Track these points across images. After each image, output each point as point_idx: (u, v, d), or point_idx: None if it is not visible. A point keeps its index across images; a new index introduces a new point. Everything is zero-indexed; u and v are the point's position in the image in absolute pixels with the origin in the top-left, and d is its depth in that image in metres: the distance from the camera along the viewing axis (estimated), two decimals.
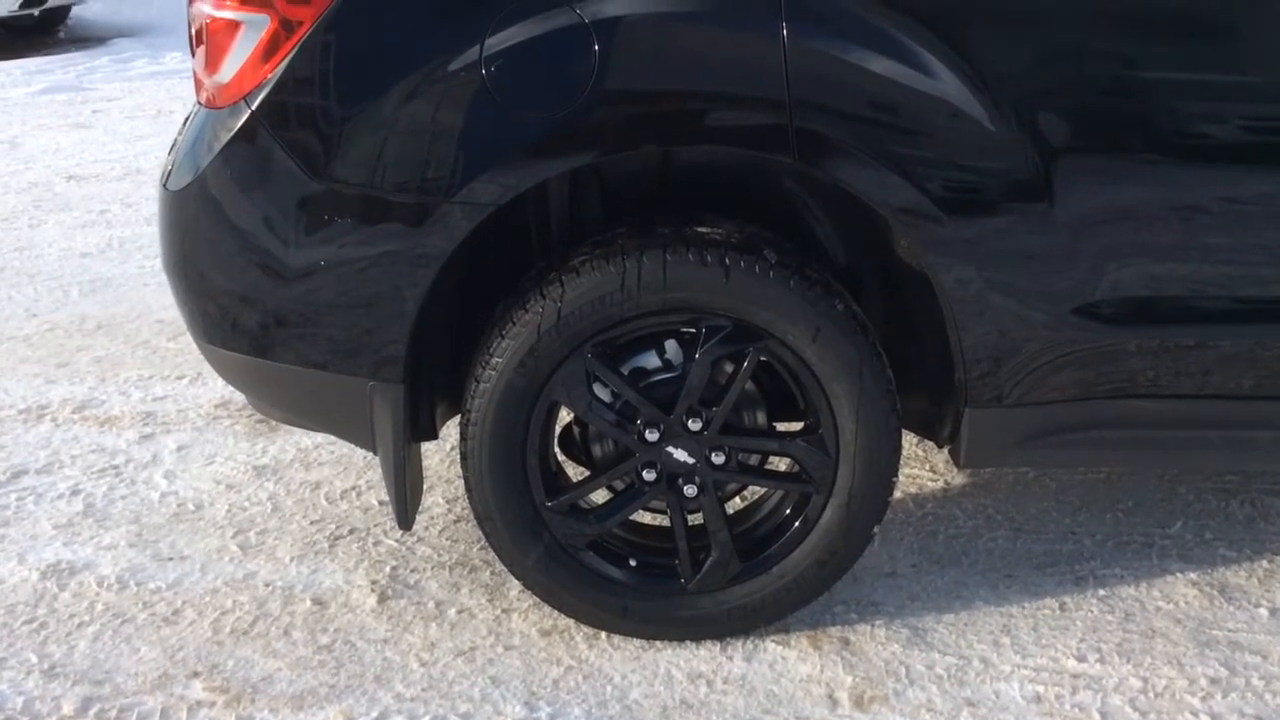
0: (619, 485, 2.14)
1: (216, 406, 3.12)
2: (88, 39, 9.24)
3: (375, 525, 2.55)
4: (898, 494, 2.60)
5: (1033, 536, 2.50)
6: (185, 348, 3.43)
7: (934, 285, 1.96)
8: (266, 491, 2.72)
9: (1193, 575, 2.35)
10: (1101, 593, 2.31)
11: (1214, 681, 2.05)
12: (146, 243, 4.44)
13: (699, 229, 2.02)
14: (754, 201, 2.17)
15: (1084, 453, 2.14)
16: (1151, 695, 2.03)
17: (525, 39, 1.83)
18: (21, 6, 8.39)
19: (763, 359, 2.01)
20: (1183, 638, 2.17)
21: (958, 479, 2.73)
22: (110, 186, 5.29)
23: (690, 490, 2.08)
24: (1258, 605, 2.26)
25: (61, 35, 9.46)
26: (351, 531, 2.54)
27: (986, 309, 1.95)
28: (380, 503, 2.63)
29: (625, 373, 2.06)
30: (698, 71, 1.88)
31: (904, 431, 2.11)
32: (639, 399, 2.03)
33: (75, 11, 9.66)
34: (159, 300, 3.82)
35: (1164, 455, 2.19)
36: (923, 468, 2.77)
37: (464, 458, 2.06)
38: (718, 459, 2.06)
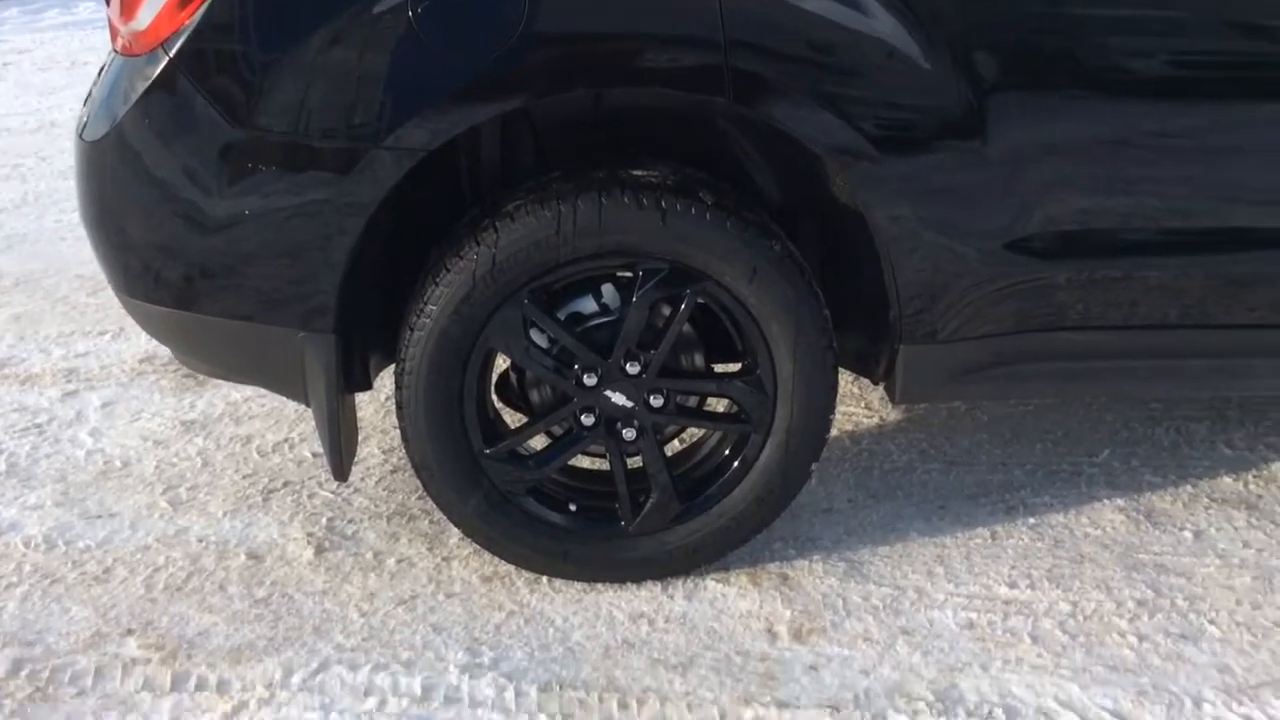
0: (557, 430, 2.14)
1: (141, 362, 3.06)
2: None
3: (310, 478, 2.52)
4: (835, 432, 2.62)
5: (965, 468, 2.55)
6: (106, 303, 3.35)
7: (869, 223, 1.97)
8: (196, 447, 2.67)
9: (1119, 501, 2.42)
10: (1031, 521, 2.36)
11: (1140, 603, 2.11)
12: (62, 197, 4.31)
13: (635, 172, 2.01)
14: (687, 144, 2.15)
15: (1018, 385, 2.18)
16: (1080, 618, 2.08)
17: None
18: None
19: (700, 301, 2.01)
20: (1110, 562, 2.23)
21: (892, 415, 2.77)
22: (24, 140, 5.12)
23: (629, 434, 2.08)
24: (1182, 529, 2.33)
25: None
26: (285, 484, 2.51)
27: (920, 246, 1.96)
28: (314, 455, 2.60)
29: (562, 318, 2.05)
30: (631, 12, 1.85)
31: (840, 369, 2.14)
32: (576, 344, 2.02)
33: None
34: (77, 255, 3.71)
35: (1095, 385, 2.24)
36: (858, 405, 2.80)
37: (399, 406, 2.04)
38: (656, 402, 2.07)
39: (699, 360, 2.13)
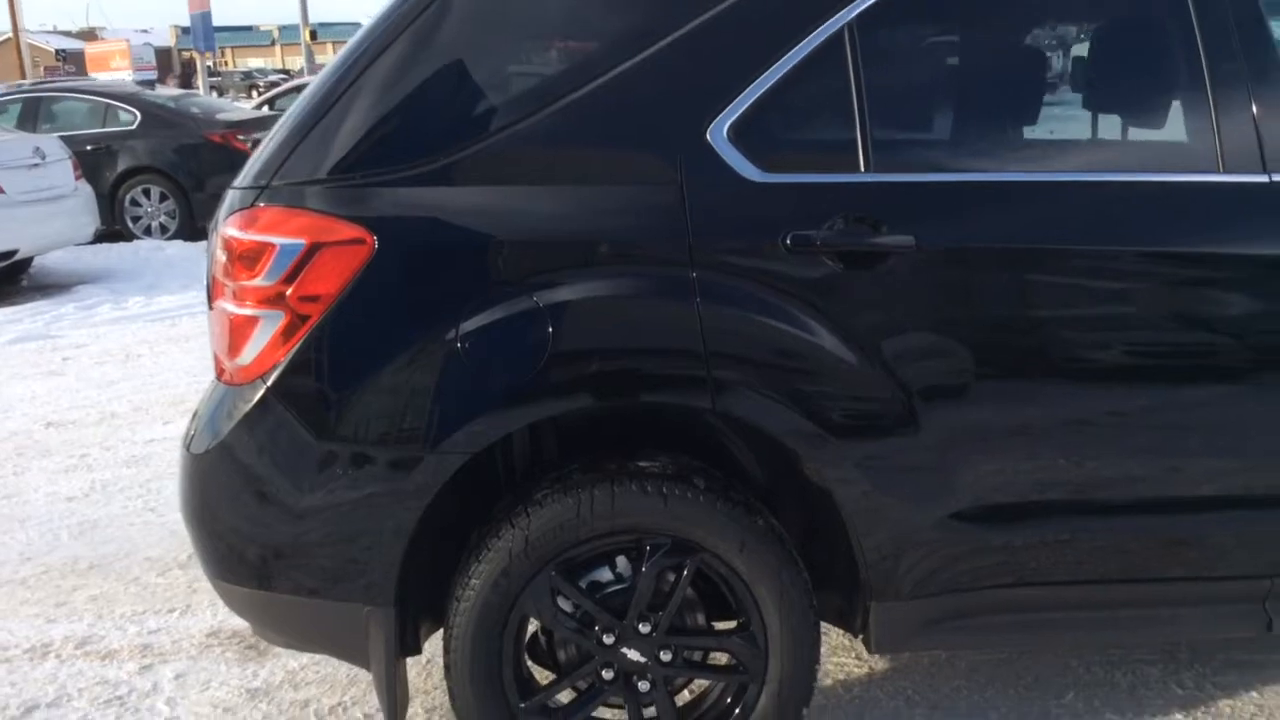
0: (581, 685, 2.48)
1: (208, 635, 3.41)
2: (51, 286, 9.68)
3: None
4: (829, 680, 2.96)
5: (947, 713, 2.85)
6: (173, 582, 3.75)
7: (835, 500, 2.37)
8: (261, 712, 3.00)
9: None
10: None
11: None
12: (127, 485, 4.76)
13: (640, 463, 2.44)
14: (685, 435, 2.59)
15: (979, 635, 2.53)
16: None
17: (491, 321, 2.27)
18: None
19: (699, 569, 2.40)
20: None
21: (880, 664, 3.09)
22: (88, 431, 5.62)
23: (644, 686, 2.43)
24: None
25: (25, 284, 9.90)
26: None
27: (877, 517, 2.36)
28: (365, 716, 2.92)
29: (583, 586, 2.43)
30: (631, 341, 2.32)
31: (825, 624, 2.49)
32: (596, 608, 2.39)
33: (38, 260, 10.14)
34: (145, 539, 4.13)
35: (1046, 634, 2.56)
36: (849, 655, 3.13)
37: (447, 669, 2.40)
38: (666, 656, 2.42)
39: (701, 619, 2.50)
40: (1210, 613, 2.51)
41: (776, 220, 2.31)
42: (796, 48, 2.36)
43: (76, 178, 9.85)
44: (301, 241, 2.30)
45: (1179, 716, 2.79)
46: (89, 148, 11.38)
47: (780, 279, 2.31)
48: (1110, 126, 2.63)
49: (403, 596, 2.40)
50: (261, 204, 2.36)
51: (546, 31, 2.42)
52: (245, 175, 2.42)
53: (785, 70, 2.36)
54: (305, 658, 3.17)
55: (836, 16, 2.36)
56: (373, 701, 2.98)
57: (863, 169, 2.35)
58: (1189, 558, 2.46)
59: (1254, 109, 2.37)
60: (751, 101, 2.35)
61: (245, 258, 2.33)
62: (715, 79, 2.36)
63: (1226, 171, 2.37)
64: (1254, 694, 2.87)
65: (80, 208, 9.63)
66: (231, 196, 2.43)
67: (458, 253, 2.32)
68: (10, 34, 37.85)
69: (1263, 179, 2.37)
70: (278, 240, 2.31)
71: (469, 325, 2.27)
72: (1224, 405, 2.40)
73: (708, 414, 2.35)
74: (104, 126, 11.84)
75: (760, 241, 2.31)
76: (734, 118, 2.35)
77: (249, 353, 2.35)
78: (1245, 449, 2.41)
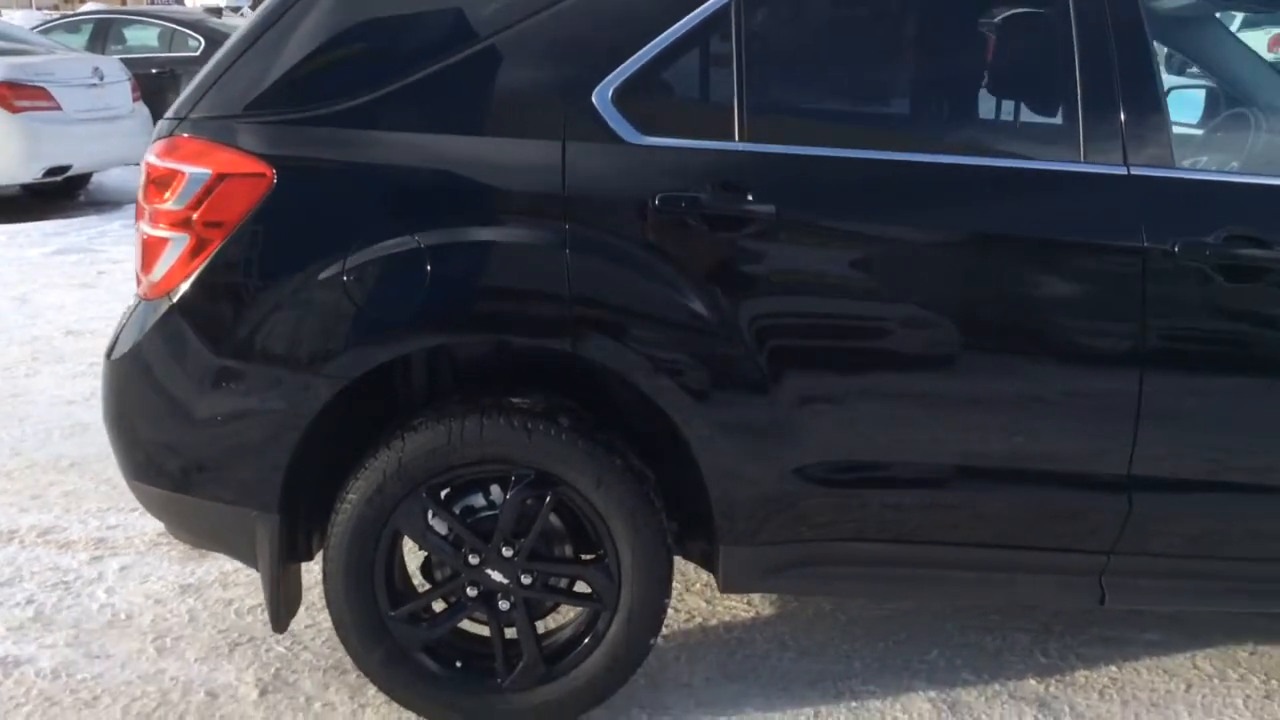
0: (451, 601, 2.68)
1: (159, 535, 3.66)
2: (105, 203, 10.07)
3: (271, 635, 3.07)
4: (714, 622, 3.13)
5: (814, 659, 3.01)
6: None
7: (688, 446, 2.53)
8: (187, 605, 3.25)
9: (932, 694, 2.86)
10: (853, 704, 2.81)
11: None
12: None
13: (513, 399, 2.61)
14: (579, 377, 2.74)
15: (820, 584, 2.68)
16: None
17: (372, 258, 2.44)
18: (45, 174, 9.22)
19: (561, 501, 2.57)
20: None
21: (766, 610, 3.25)
22: (104, 342, 5.88)
23: (504, 605, 2.62)
24: (978, 716, 2.76)
25: (81, 199, 10.30)
26: (250, 639, 3.07)
27: (726, 466, 2.51)
28: None
29: (461, 509, 2.62)
30: (501, 284, 2.49)
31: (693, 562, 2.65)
32: (463, 530, 2.58)
33: (95, 178, 10.54)
34: None
35: (884, 588, 2.72)
36: (741, 601, 3.29)
37: (324, 575, 2.61)
38: (526, 580, 2.61)
39: (569, 550, 2.67)
40: (1046, 581, 2.64)
41: (649, 181, 2.46)
42: (686, 17, 2.49)
43: (135, 99, 10.19)
44: (208, 171, 2.49)
45: (1033, 681, 2.92)
46: (154, 71, 11.75)
47: (647, 236, 2.46)
48: (986, 110, 2.72)
49: (290, 505, 2.61)
50: (180, 134, 2.56)
51: None
52: (173, 107, 2.62)
53: (673, 39, 2.49)
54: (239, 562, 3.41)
55: None
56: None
57: (736, 138, 2.48)
58: (1027, 526, 2.58)
59: (1120, 104, 2.46)
60: (638, 67, 2.49)
61: (159, 183, 2.53)
62: (606, 43, 2.50)
63: (1086, 161, 2.47)
64: (1112, 668, 2.98)
65: (137, 129, 9.97)
66: (159, 126, 2.63)
67: (349, 192, 2.49)
68: None
69: (1120, 170, 2.46)
70: (187, 169, 2.50)
71: (352, 261, 2.44)
72: (1065, 380, 2.50)
73: (567, 356, 2.51)
74: (170, 51, 12.19)
75: (632, 200, 2.46)
76: (620, 81, 2.49)
77: (159, 270, 2.55)
78: (1085, 427, 2.51)
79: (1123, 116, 2.46)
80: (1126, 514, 2.53)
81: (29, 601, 3.26)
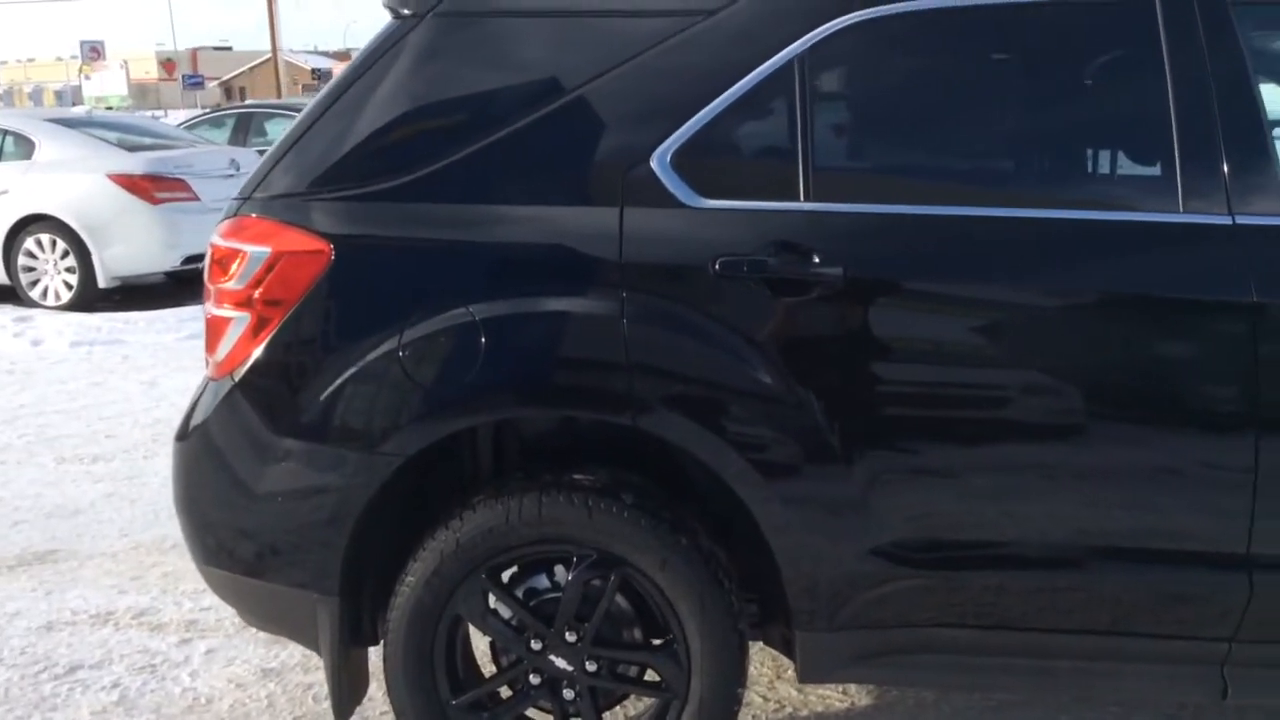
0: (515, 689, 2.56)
1: None
2: None
3: None
4: (806, 711, 2.95)
5: None
6: None
7: (759, 526, 2.38)
8: (267, 690, 3.20)
9: None
10: None
11: None
12: None
13: (575, 476, 2.50)
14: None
15: (907, 673, 2.48)
16: None
17: (429, 332, 2.39)
18: (184, 262, 9.59)
19: (626, 583, 2.44)
20: None
21: (863, 700, 3.04)
22: None
23: (569, 694, 2.49)
24: None
25: None
26: None
27: (799, 545, 2.35)
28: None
29: (524, 591, 2.51)
30: (558, 356, 2.40)
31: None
32: (525, 614, 2.47)
33: None
34: None
35: (976, 678, 2.49)
36: (837, 690, 3.09)
37: (385, 661, 2.53)
38: (591, 666, 2.48)
39: (637, 635, 2.53)
40: (1159, 672, 2.38)
41: (710, 246, 2.35)
42: (746, 78, 2.40)
43: None
44: (267, 249, 2.47)
45: None
46: None
47: (708, 303, 2.34)
48: (1063, 162, 2.53)
49: (352, 588, 2.54)
50: (245, 214, 2.56)
51: (499, 64, 2.51)
52: (240, 187, 2.63)
53: (733, 100, 2.40)
54: None
55: (785, 51, 2.38)
56: (372, 694, 3.14)
57: (801, 198, 2.36)
58: (1135, 612, 2.35)
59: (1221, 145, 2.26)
60: (696, 130, 2.40)
61: (222, 263, 2.53)
62: (665, 106, 2.42)
63: (1185, 211, 2.27)
64: None
65: None
66: (227, 207, 2.64)
67: (405, 265, 2.45)
68: (270, 53, 40.79)
69: (1225, 220, 2.25)
70: (249, 248, 2.49)
71: (410, 335, 2.39)
72: (1170, 451, 2.28)
73: (627, 430, 2.40)
74: None
75: (691, 265, 2.35)
76: (679, 145, 2.40)
77: (222, 350, 2.54)
78: (1196, 501, 2.28)
79: (1225, 163, 2.26)
80: (1249, 596, 2.28)
81: (115, 685, 3.26)
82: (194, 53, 60.89)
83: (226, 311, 2.53)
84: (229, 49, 76.04)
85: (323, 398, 2.45)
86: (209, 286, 2.59)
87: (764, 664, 3.20)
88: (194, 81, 42.60)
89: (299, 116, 2.64)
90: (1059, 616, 2.36)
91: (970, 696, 3.02)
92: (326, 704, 3.09)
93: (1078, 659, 2.39)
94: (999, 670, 2.43)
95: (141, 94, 57.12)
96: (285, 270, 2.46)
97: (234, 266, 2.51)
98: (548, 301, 2.39)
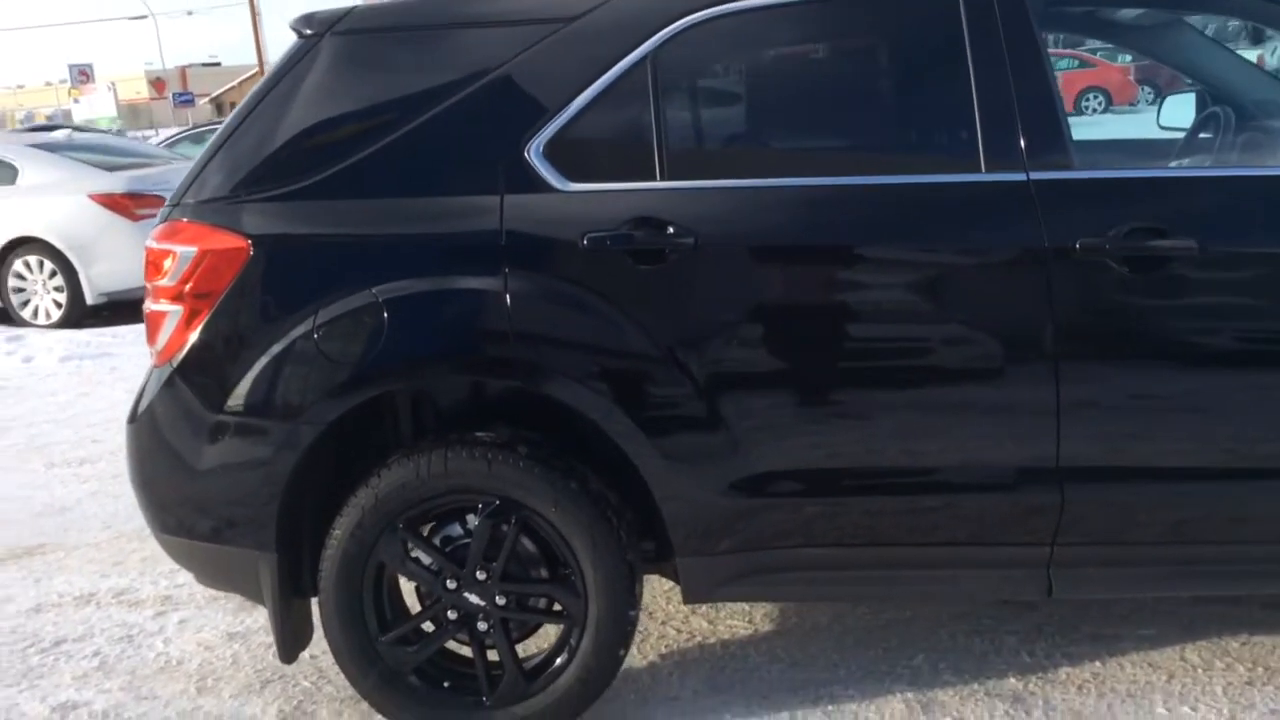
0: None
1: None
2: None
3: (300, 673, 3.33)
4: (714, 639, 3.27)
5: (802, 668, 3.12)
6: None
7: (641, 472, 2.70)
8: (232, 650, 3.54)
9: (909, 694, 2.94)
10: (829, 708, 2.91)
11: None
12: None
13: (478, 434, 2.83)
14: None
15: (777, 589, 2.81)
16: None
17: (339, 314, 2.71)
18: None
19: (526, 524, 2.77)
20: None
21: (766, 626, 3.37)
22: None
23: (483, 626, 2.82)
24: (945, 716, 2.83)
25: None
26: (281, 677, 3.33)
27: (673, 486, 2.68)
28: (311, 656, 3.41)
29: (442, 538, 2.84)
30: (453, 329, 2.73)
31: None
32: (439, 558, 2.80)
33: None
34: None
35: (836, 589, 2.83)
36: (742, 619, 3.42)
37: (320, 606, 2.86)
38: (501, 600, 2.81)
39: (544, 572, 2.85)
40: (993, 576, 2.71)
41: (578, 223, 2.67)
42: (603, 76, 2.72)
43: None
44: (194, 249, 2.81)
45: (1013, 679, 2.97)
46: None
47: (580, 275, 2.67)
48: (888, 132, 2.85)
49: (289, 545, 2.87)
50: (175, 219, 2.89)
51: (390, 74, 2.83)
52: (171, 195, 2.96)
53: (593, 96, 2.72)
54: None
55: (638, 50, 2.71)
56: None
57: (658, 178, 2.68)
58: (969, 523, 2.67)
59: (1017, 109, 2.58)
60: (564, 122, 2.72)
61: (156, 263, 2.86)
62: (534, 104, 2.74)
63: (987, 172, 2.59)
64: (1097, 663, 3.01)
65: None
66: (160, 213, 2.97)
67: (316, 256, 2.78)
68: (257, 68, 41.17)
69: (1020, 177, 2.57)
70: (178, 248, 2.82)
71: (322, 317, 2.72)
72: (985, 381, 2.60)
73: (519, 392, 2.73)
74: None
75: (563, 241, 2.68)
76: (549, 136, 2.72)
77: (161, 340, 2.87)
78: (1010, 424, 2.60)
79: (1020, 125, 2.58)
80: (1061, 505, 2.60)
81: (95, 654, 3.59)
82: (183, 70, 61.24)
83: (163, 306, 2.86)
84: (218, 64, 76.40)
85: (249, 377, 2.78)
86: (147, 285, 2.92)
87: (678, 602, 3.53)
88: (184, 99, 42.97)
89: (220, 130, 2.97)
90: (902, 533, 2.69)
91: (860, 617, 3.34)
92: None
93: (921, 568, 2.72)
94: (854, 581, 2.77)
95: (133, 114, 57.50)
96: (211, 266, 2.79)
97: (166, 265, 2.83)
98: (439, 281, 2.71)
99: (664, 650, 3.29)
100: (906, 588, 2.78)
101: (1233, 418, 2.59)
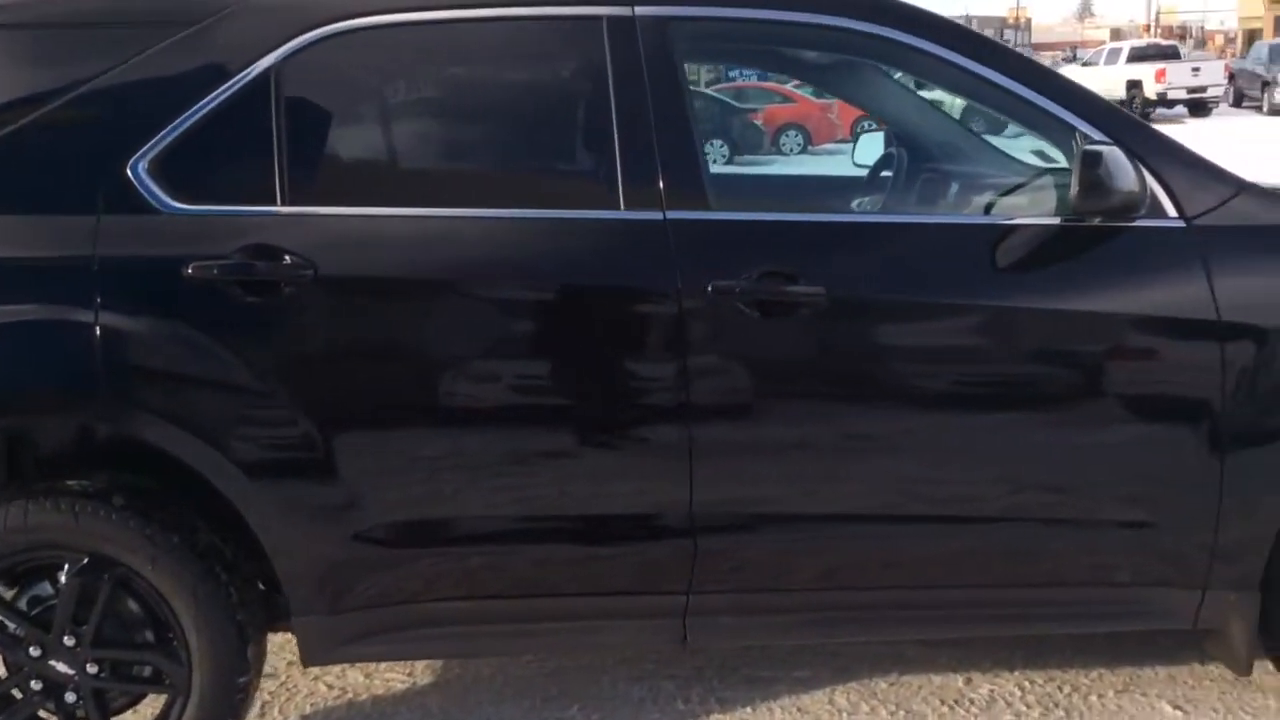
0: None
1: None
2: None
3: None
4: (366, 695, 3.06)
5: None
6: None
7: (248, 522, 2.46)
8: None
9: None
10: None
11: None
12: None
13: (69, 482, 2.53)
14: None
15: (406, 647, 2.64)
16: None
17: None
18: None
19: (128, 585, 2.48)
20: None
21: (425, 679, 3.16)
22: None
23: (70, 698, 2.51)
24: None
25: None
26: None
27: (288, 539, 2.45)
28: None
29: (29, 599, 2.52)
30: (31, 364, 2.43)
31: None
32: (17, 621, 2.48)
33: None
34: None
35: (469, 645, 2.67)
36: (401, 672, 3.21)
37: None
38: (92, 669, 2.51)
39: (149, 635, 2.57)
40: (630, 626, 2.60)
41: (184, 249, 2.41)
42: (221, 89, 2.48)
43: None
44: None
45: None
46: None
47: (183, 306, 2.41)
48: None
49: None
50: None
51: None
52: None
53: (208, 109, 2.47)
54: None
55: (261, 62, 2.47)
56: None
57: (277, 203, 2.45)
58: (605, 573, 2.55)
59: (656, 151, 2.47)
60: (174, 137, 2.46)
61: None
62: (142, 115, 2.47)
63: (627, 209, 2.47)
64: (747, 709, 2.95)
65: None
66: None
67: None
68: None
69: (657, 216, 2.47)
70: None
71: None
72: (615, 426, 2.50)
73: (110, 437, 2.45)
74: None
75: (165, 269, 2.41)
76: (156, 152, 2.46)
77: None
78: (643, 472, 2.50)
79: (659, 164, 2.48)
80: (694, 554, 2.52)
81: None
82: None
83: None
84: None
85: None
86: None
87: None
88: None
89: None
90: (536, 585, 2.55)
91: (525, 667, 3.19)
92: None
93: (560, 620, 2.59)
94: (490, 636, 2.62)
95: None
96: None
97: None
98: (22, 310, 2.41)
99: (308, 710, 3.05)
100: (545, 640, 2.65)
101: (868, 462, 2.57)
